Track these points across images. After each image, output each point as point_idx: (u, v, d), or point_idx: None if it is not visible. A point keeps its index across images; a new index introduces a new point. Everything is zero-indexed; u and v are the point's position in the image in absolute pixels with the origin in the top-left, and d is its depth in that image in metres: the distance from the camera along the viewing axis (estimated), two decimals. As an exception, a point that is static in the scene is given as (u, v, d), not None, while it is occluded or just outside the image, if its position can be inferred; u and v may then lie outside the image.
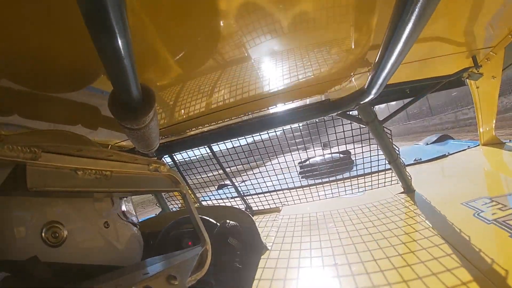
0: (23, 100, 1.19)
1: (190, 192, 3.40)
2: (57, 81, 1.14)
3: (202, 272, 1.41)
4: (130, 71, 0.76)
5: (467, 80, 2.41)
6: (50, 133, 1.29)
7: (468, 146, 3.44)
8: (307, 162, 3.85)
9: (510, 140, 2.97)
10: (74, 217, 1.12)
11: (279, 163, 2.99)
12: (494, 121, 2.80)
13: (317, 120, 2.45)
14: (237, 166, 3.10)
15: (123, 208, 1.44)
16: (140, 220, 2.90)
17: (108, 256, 1.24)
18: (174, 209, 3.58)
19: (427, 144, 5.10)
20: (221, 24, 1.04)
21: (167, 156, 2.98)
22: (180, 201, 3.51)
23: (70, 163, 0.90)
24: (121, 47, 0.65)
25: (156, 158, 2.67)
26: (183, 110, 1.84)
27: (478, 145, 3.23)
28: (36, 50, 0.92)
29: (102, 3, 0.52)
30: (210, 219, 2.09)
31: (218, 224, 2.08)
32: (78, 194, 1.12)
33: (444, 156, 3.46)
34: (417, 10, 0.82)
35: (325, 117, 2.33)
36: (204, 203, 3.62)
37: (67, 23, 0.83)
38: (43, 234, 1.00)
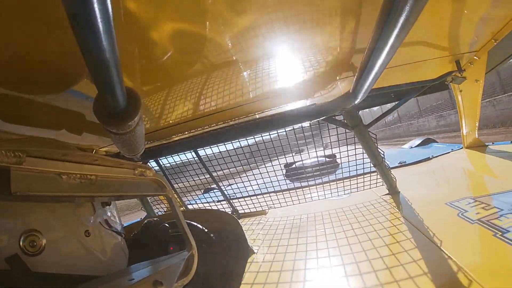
0: (6, 104, 1.17)
1: (176, 196, 3.38)
2: (41, 85, 1.13)
3: (188, 278, 1.40)
4: (115, 74, 0.75)
5: (451, 84, 2.44)
6: (35, 140, 1.28)
7: (452, 149, 3.50)
8: (293, 165, 3.86)
9: (492, 143, 3.02)
10: (53, 225, 1.10)
11: (265, 166, 2.99)
12: (477, 124, 2.84)
13: (302, 125, 2.45)
14: (224, 170, 3.09)
15: (106, 215, 1.42)
16: (124, 225, 2.88)
17: (90, 266, 1.21)
18: (159, 213, 3.56)
19: (411, 147, 5.16)
20: (207, 28, 1.03)
21: (152, 160, 2.96)
22: (166, 205, 3.48)
23: (55, 168, 0.89)
24: (106, 50, 0.64)
25: (141, 162, 2.65)
26: (169, 115, 1.82)
27: (462, 148, 3.28)
28: (19, 53, 0.91)
29: (88, 5, 0.51)
30: (196, 224, 2.08)
31: (204, 228, 2.08)
32: (60, 200, 1.10)
33: (428, 159, 3.51)
34: (402, 15, 0.82)
35: (311, 122, 2.34)
36: (190, 206, 3.61)
37: (52, 26, 0.81)
38: (20, 243, 0.98)
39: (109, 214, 1.45)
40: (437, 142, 5.06)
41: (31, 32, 0.83)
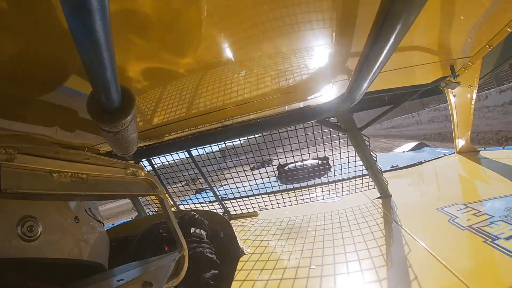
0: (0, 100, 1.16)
1: (168, 197, 3.37)
2: (34, 82, 1.12)
3: (179, 279, 1.39)
4: (110, 72, 0.74)
5: (444, 88, 2.45)
6: (26, 137, 1.27)
7: (444, 154, 3.52)
8: (286, 167, 3.85)
9: (484, 148, 3.04)
10: (48, 211, 1.11)
11: (258, 168, 2.99)
12: (470, 129, 2.86)
13: (296, 126, 2.45)
14: (216, 171, 3.08)
15: (89, 204, 1.43)
16: (116, 224, 2.87)
17: (78, 250, 1.23)
18: (150, 213, 3.54)
19: (404, 151, 5.18)
20: (202, 27, 1.03)
21: (145, 160, 2.94)
22: (158, 205, 3.47)
23: (46, 165, 0.88)
24: (102, 48, 0.63)
25: (134, 162, 2.64)
26: (162, 114, 1.82)
27: (454, 153, 3.30)
28: (13, 50, 0.90)
29: (85, 2, 0.50)
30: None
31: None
32: (51, 198, 1.10)
33: (420, 163, 3.52)
34: (397, 20, 0.83)
35: (304, 124, 2.34)
36: (181, 207, 3.60)
37: (47, 23, 0.81)
38: (19, 230, 0.98)
39: (91, 203, 1.47)
40: (429, 146, 5.09)
41: (26, 29, 0.82)
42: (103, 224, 1.54)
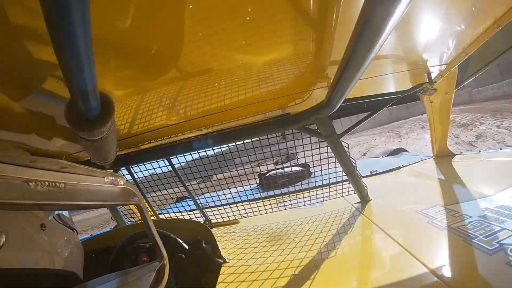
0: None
1: (147, 205, 3.33)
2: (9, 87, 1.09)
3: None
4: (89, 79, 0.73)
5: (422, 95, 2.49)
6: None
7: (421, 159, 3.57)
8: (267, 174, 3.86)
9: (461, 152, 3.10)
10: (11, 219, 1.08)
11: (239, 175, 2.98)
12: (447, 134, 2.91)
13: (277, 134, 2.46)
14: (196, 179, 3.06)
15: (58, 211, 1.40)
16: (94, 235, 2.81)
17: (46, 259, 1.19)
18: (130, 223, 3.49)
19: (382, 157, 5.25)
20: (183, 36, 1.03)
21: (124, 168, 2.91)
22: (137, 214, 3.42)
23: (22, 174, 0.86)
24: (82, 54, 0.62)
25: (112, 170, 2.60)
26: (142, 122, 1.80)
27: (431, 157, 3.35)
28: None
29: (65, 8, 0.49)
30: (168, 233, 2.05)
31: (176, 237, 2.05)
32: (27, 208, 1.08)
33: (398, 168, 3.56)
34: (376, 29, 0.84)
35: (285, 131, 2.35)
36: (161, 216, 3.56)
37: (24, 26, 0.79)
38: None
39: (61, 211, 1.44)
40: (407, 151, 5.17)
41: (4, 33, 0.80)
42: (76, 231, 1.51)
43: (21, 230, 1.11)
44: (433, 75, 2.20)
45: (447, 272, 1.32)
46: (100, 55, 0.94)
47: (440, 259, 1.45)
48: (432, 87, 2.30)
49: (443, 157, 3.16)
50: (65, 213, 1.50)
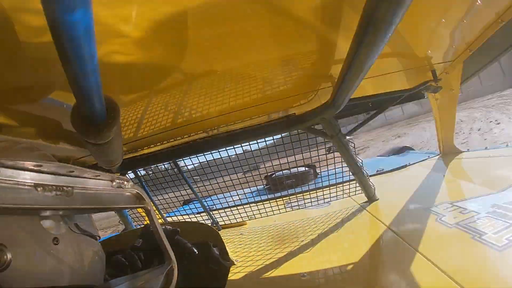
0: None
1: (155, 208, 3.33)
2: (16, 93, 1.10)
3: None
4: (94, 83, 0.73)
5: (427, 93, 2.48)
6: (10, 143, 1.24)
7: (428, 156, 3.54)
8: (274, 176, 3.85)
9: (468, 150, 3.08)
10: (18, 236, 1.07)
11: (245, 177, 2.97)
12: (453, 131, 2.90)
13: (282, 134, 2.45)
14: (203, 181, 3.06)
15: (77, 219, 1.38)
16: (102, 239, 2.82)
17: (62, 275, 1.18)
18: (138, 226, 3.50)
19: (389, 155, 5.23)
20: (187, 38, 1.03)
21: (131, 172, 2.91)
22: (145, 217, 3.42)
23: (29, 179, 0.86)
24: (86, 59, 0.63)
25: (119, 174, 2.61)
26: (147, 125, 1.81)
27: (438, 155, 3.33)
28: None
29: (69, 13, 0.50)
30: (178, 229, 2.06)
31: (183, 240, 2.05)
32: (35, 213, 1.07)
33: (405, 166, 3.54)
34: (379, 27, 0.83)
35: (290, 132, 2.35)
36: (169, 219, 3.56)
37: (29, 33, 0.80)
38: None
39: (80, 217, 1.42)
40: (414, 150, 5.14)
41: (9, 39, 0.81)
42: (98, 236, 1.49)
43: (31, 246, 1.10)
44: (437, 72, 2.19)
45: (456, 270, 1.31)
46: (104, 60, 0.95)
47: (449, 256, 1.44)
48: (437, 84, 2.29)
49: (450, 154, 3.14)
50: (85, 218, 1.48)
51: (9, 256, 0.98)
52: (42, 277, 1.09)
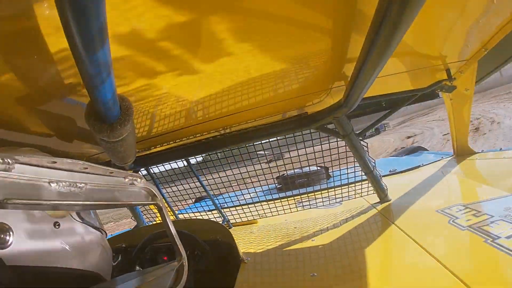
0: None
1: (167, 206, 3.35)
2: (32, 92, 1.12)
3: None
4: (108, 82, 0.74)
5: (441, 92, 2.46)
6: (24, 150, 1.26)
7: (442, 157, 3.51)
8: (285, 175, 3.84)
9: (482, 150, 3.04)
10: (20, 216, 1.08)
11: (257, 175, 2.97)
12: (467, 132, 2.87)
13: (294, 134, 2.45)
14: (215, 179, 3.07)
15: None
16: (114, 235, 2.84)
17: (65, 256, 1.20)
18: (150, 223, 3.52)
19: (402, 155, 5.19)
20: (200, 35, 1.03)
21: (143, 169, 2.94)
22: (157, 214, 3.45)
23: (44, 175, 0.87)
24: (99, 58, 0.63)
25: (132, 171, 2.63)
26: (160, 123, 1.82)
27: (452, 155, 3.30)
28: (11, 59, 0.90)
29: (82, 13, 0.50)
30: (187, 233, 2.06)
31: (196, 237, 2.06)
32: (49, 208, 1.09)
33: (418, 167, 3.51)
34: (393, 25, 0.83)
35: (302, 131, 2.34)
36: (181, 216, 3.58)
37: (44, 31, 0.81)
38: None
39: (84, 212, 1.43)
40: (427, 150, 5.10)
41: (24, 40, 0.82)
42: (101, 230, 1.50)
43: (32, 227, 1.12)
44: (452, 72, 2.17)
45: (468, 274, 1.30)
46: (118, 59, 0.96)
47: (462, 260, 1.43)
48: (451, 83, 2.27)
49: (464, 155, 3.11)
50: (92, 213, 1.50)
51: (11, 235, 1.00)
52: (43, 256, 1.12)
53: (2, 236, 0.98)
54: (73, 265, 1.22)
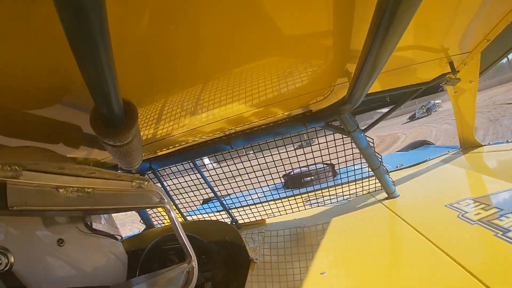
0: (2, 118, 1.16)
1: (174, 208, 3.36)
2: (37, 98, 1.12)
3: None
4: (112, 87, 0.75)
5: (445, 85, 2.45)
6: (29, 149, 1.26)
7: (449, 151, 3.49)
8: (292, 173, 3.84)
9: (489, 143, 3.02)
10: (20, 238, 1.08)
11: (263, 175, 2.98)
12: (473, 124, 2.85)
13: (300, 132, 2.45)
14: (222, 180, 3.08)
15: (88, 219, 1.39)
16: (123, 238, 2.85)
17: (71, 277, 1.19)
18: (158, 225, 3.53)
19: (408, 150, 5.17)
20: (204, 38, 1.03)
21: (150, 172, 2.94)
22: (165, 217, 3.46)
23: (52, 181, 0.88)
24: (103, 63, 0.64)
25: (139, 174, 2.64)
26: (165, 126, 1.82)
27: (459, 149, 3.28)
28: (15, 65, 0.91)
29: (84, 19, 0.51)
30: (196, 235, 2.07)
31: (204, 240, 2.07)
32: (57, 214, 1.09)
33: (425, 161, 3.50)
34: (394, 20, 0.83)
35: (308, 128, 2.34)
36: (189, 218, 3.59)
37: (48, 39, 0.81)
38: None
39: (95, 217, 1.42)
40: (434, 144, 5.08)
41: (28, 46, 0.82)
42: (116, 236, 1.50)
43: (33, 248, 1.12)
44: (455, 64, 2.16)
45: (479, 268, 1.29)
46: (121, 63, 0.96)
47: (472, 254, 1.42)
48: (455, 76, 2.25)
49: (471, 148, 3.09)
50: (103, 219, 1.49)
51: (11, 258, 1.00)
52: (47, 278, 1.11)
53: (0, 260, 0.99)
54: (83, 283, 1.22)
